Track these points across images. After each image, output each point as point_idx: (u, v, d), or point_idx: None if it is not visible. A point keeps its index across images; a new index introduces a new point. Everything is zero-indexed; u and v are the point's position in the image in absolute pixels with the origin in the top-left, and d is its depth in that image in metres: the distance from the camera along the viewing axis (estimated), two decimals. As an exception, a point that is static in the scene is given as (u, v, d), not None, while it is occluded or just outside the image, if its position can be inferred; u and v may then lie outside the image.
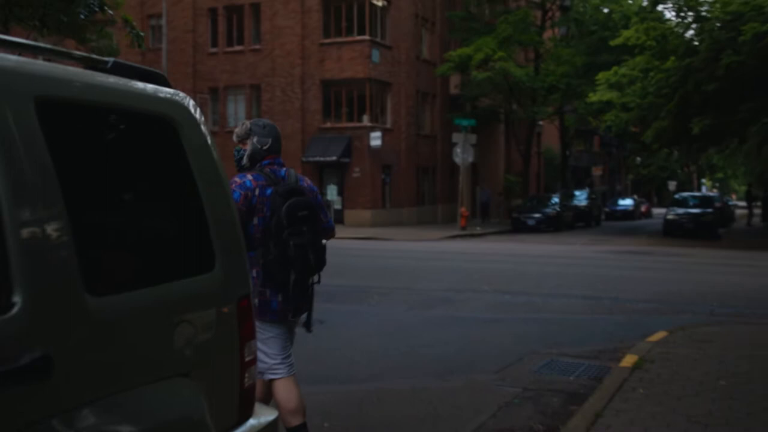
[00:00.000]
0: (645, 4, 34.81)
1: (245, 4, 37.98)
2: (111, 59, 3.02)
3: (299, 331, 9.90)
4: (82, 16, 18.70)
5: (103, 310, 2.52)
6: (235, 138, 5.13)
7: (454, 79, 43.20)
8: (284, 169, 4.95)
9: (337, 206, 35.86)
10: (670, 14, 33.25)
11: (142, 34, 21.27)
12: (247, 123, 5.13)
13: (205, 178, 3.05)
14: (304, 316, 5.01)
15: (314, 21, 36.79)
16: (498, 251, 24.83)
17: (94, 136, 2.76)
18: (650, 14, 32.62)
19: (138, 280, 2.77)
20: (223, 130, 38.69)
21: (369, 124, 36.06)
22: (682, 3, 30.76)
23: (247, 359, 3.18)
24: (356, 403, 6.82)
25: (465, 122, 35.82)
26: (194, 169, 3.00)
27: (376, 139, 35.40)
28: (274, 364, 4.78)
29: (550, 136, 56.43)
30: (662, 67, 30.22)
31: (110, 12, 19.36)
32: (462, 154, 35.15)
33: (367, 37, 35.96)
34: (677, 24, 31.86)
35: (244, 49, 38.25)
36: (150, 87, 3.05)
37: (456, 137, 35.68)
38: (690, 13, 30.86)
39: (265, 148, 4.93)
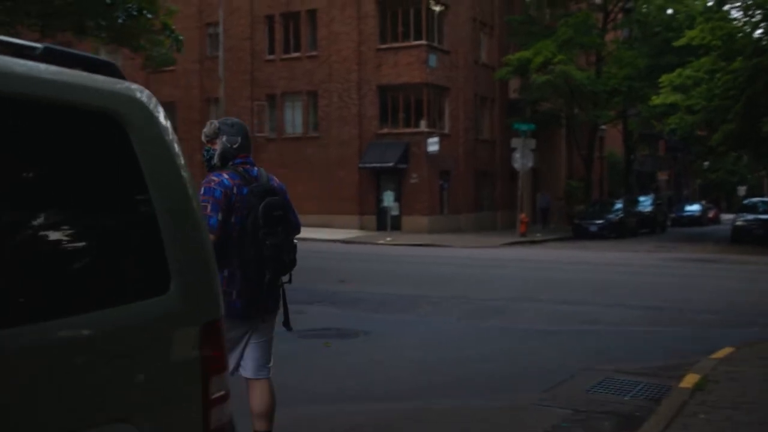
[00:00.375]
0: (710, 3, 33.70)
1: (302, 11, 37.92)
2: (41, 45, 2.61)
3: (340, 344, 9.55)
4: (120, 20, 18.63)
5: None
6: (203, 138, 5.06)
7: (514, 83, 42.51)
8: (256, 168, 4.93)
9: (395, 212, 35.46)
10: (737, 13, 32.11)
11: (181, 37, 21.17)
12: (216, 122, 5.07)
13: (162, 185, 2.62)
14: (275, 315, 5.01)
15: (370, 27, 36.53)
16: (558, 258, 24.14)
17: (4, 133, 2.31)
18: (716, 14, 31.53)
19: (55, 306, 2.31)
20: (281, 137, 38.75)
21: (426, 129, 35.62)
22: (750, 2, 29.67)
23: (214, 396, 2.72)
24: (389, 425, 6.39)
25: (524, 127, 35.14)
26: (147, 173, 2.57)
27: (433, 145, 34.94)
28: None
29: (613, 140, 55.22)
30: (729, 68, 29.16)
31: (149, 16, 19.28)
32: (521, 159, 34.49)
33: (423, 42, 35.53)
34: (744, 23, 30.73)
35: (301, 56, 38.16)
36: (89, 77, 2.59)
37: (515, 142, 35.03)
38: (758, 12, 29.73)
39: (235, 146, 4.92)
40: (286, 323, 5.10)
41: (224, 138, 4.93)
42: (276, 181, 5.02)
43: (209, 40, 39.95)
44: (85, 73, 2.59)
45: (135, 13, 18.54)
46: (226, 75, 35.10)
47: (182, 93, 40.84)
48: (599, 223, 36.13)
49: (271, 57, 38.87)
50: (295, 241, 4.86)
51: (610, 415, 6.66)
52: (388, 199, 35.51)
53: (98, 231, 2.52)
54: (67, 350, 2.31)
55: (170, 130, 2.78)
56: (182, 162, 2.77)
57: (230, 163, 4.87)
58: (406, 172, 35.88)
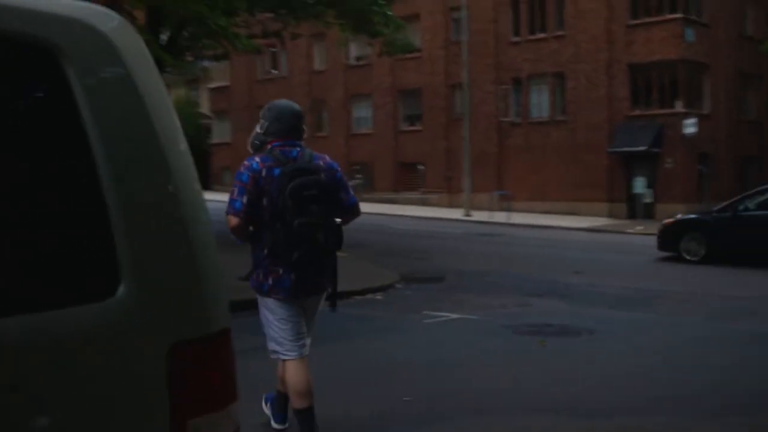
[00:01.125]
0: None
1: (548, -11, 36.57)
2: None
3: (558, 344, 8.61)
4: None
5: None
6: None
7: (785, 57, 38.48)
8: (297, 149, 4.86)
9: (647, 200, 33.35)
10: None
11: (389, 13, 20.71)
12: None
13: (122, 149, 1.91)
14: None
15: (621, 1, 34.36)
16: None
17: None
18: None
19: None
20: (526, 121, 37.67)
21: (683, 110, 33.02)
22: None
23: None
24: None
25: (796, 104, 31.62)
26: (93, 130, 1.86)
27: (690, 127, 32.34)
28: (286, 348, 4.84)
29: None
30: None
31: None
32: (792, 141, 31.09)
33: (679, 15, 32.91)
34: None
35: (547, 36, 36.75)
36: None
37: (785, 122, 31.64)
38: None
39: (260, 131, 4.97)
40: (332, 302, 5.07)
41: (260, 123, 4.99)
42: (326, 160, 4.94)
43: (454, 25, 39.59)
44: None
45: None
46: (470, 59, 34.61)
47: (427, 79, 40.92)
48: None
49: (516, 39, 37.81)
50: (337, 220, 4.76)
51: None
52: (640, 185, 33.48)
53: (13, 206, 1.83)
54: None
55: (150, 76, 2.03)
56: (166, 122, 2.02)
57: (268, 147, 4.87)
58: (660, 157, 33.50)
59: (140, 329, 1.91)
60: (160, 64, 17.64)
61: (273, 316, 4.84)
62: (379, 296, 12.36)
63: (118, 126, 1.92)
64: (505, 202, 32.56)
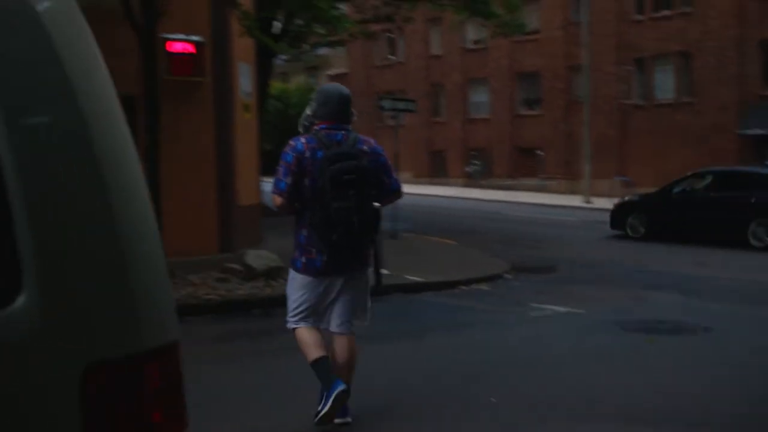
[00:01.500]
0: None
1: (677, -36, 35.00)
2: None
3: (668, 342, 8.10)
4: None
5: None
6: None
7: None
8: (342, 132, 5.00)
9: (781, 185, 31.52)
10: None
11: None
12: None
13: (22, 128, 1.60)
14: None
15: (753, -25, 32.62)
16: None
17: None
18: None
19: None
20: (651, 103, 36.27)
21: (821, 89, 31.09)
22: None
23: None
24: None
25: None
26: None
27: (830, 107, 30.38)
28: (296, 320, 5.06)
29: None
30: None
31: None
32: None
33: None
34: None
35: (672, 14, 35.15)
36: None
37: None
38: None
39: (309, 113, 5.14)
40: (376, 282, 5.41)
41: (310, 105, 5.17)
42: (370, 144, 5.08)
43: (573, 5, 38.45)
44: None
45: None
46: (590, 40, 33.53)
47: (546, 62, 39.91)
48: None
49: (640, 17, 36.34)
50: (375, 204, 4.94)
51: None
52: (772, 170, 31.68)
53: None
54: None
55: (83, 52, 1.74)
56: (103, 106, 1.73)
57: (314, 129, 5.03)
58: (797, 140, 31.66)
59: (46, 346, 1.58)
60: (271, 52, 17.80)
61: (296, 293, 5.08)
62: (485, 286, 12.04)
63: (29, 97, 1.65)
64: (627, 189, 31.46)
